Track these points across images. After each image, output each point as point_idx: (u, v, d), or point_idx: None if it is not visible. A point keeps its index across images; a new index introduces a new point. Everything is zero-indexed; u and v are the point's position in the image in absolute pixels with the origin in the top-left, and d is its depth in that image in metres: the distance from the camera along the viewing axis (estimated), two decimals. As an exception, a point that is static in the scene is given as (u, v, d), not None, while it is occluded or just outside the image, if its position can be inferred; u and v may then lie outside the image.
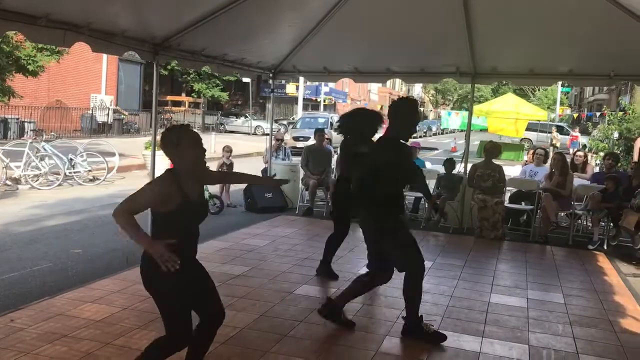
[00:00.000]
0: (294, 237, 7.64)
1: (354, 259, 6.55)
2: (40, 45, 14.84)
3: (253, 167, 13.70)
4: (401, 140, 4.40)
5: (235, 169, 10.87)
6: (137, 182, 8.15)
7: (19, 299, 4.83)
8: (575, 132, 27.15)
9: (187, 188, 2.96)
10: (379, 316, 4.78)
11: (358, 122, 5.58)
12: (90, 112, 24.94)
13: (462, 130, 32.95)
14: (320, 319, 4.61)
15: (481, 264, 6.83)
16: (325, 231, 6.33)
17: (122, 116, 26.82)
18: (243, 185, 9.97)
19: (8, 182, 11.00)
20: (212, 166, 10.72)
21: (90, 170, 12.45)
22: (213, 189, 9.82)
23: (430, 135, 48.39)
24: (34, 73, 15.19)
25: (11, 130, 19.24)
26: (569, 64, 8.33)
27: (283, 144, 11.38)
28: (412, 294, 4.26)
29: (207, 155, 3.18)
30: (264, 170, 10.59)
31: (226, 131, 33.34)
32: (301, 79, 18.15)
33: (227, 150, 10.25)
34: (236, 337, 4.17)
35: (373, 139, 5.63)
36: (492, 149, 8.75)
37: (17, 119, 19.79)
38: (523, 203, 9.02)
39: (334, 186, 6.44)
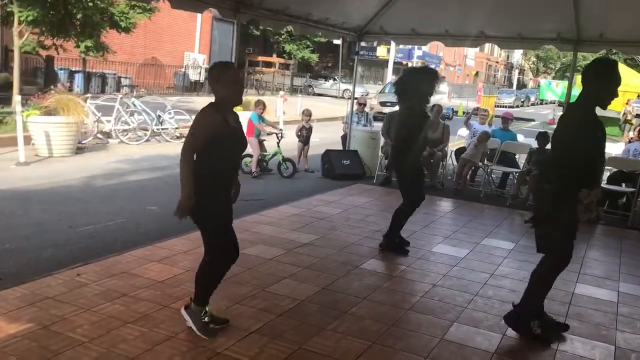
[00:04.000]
0: (368, 207, 7.38)
1: (427, 235, 6.23)
2: (132, 3, 15.19)
3: (334, 131, 13.52)
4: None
5: (315, 133, 10.71)
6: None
7: (88, 253, 4.91)
8: None
9: (229, 117, 3.39)
10: (449, 300, 4.45)
11: (420, 82, 5.29)
12: (183, 70, 25.53)
13: (561, 102, 30.88)
14: (384, 298, 4.36)
15: (569, 249, 6.26)
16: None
17: (214, 75, 27.29)
18: (322, 150, 9.77)
19: (99, 136, 11.43)
20: (292, 129, 10.62)
21: (177, 128, 12.70)
22: (288, 152, 9.69)
23: (528, 105, 46.29)
24: (126, 29, 15.65)
25: (108, 85, 20.03)
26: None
27: (366, 109, 11.03)
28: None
29: (292, 118, 3.15)
30: (344, 137, 10.32)
31: (314, 94, 33.25)
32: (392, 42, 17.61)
33: (307, 114, 10.07)
34: (294, 310, 4.01)
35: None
36: None
37: (114, 74, 20.57)
38: (624, 185, 8.24)
39: (397, 151, 5.52)
